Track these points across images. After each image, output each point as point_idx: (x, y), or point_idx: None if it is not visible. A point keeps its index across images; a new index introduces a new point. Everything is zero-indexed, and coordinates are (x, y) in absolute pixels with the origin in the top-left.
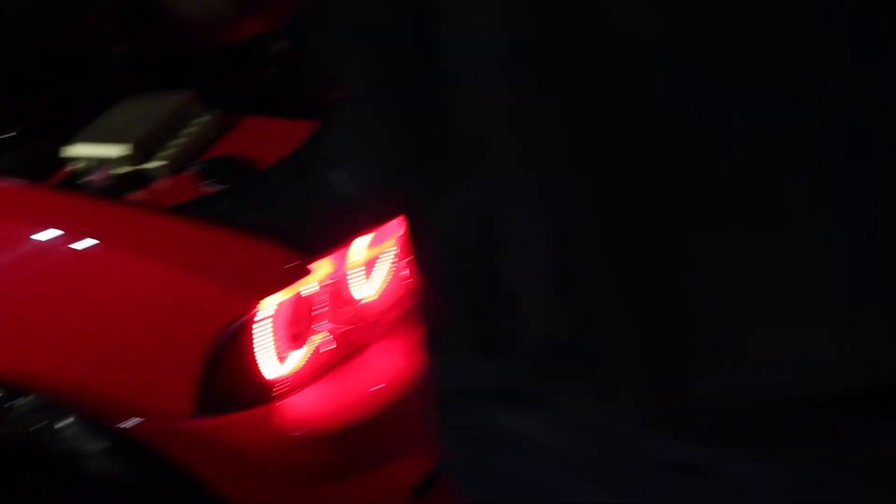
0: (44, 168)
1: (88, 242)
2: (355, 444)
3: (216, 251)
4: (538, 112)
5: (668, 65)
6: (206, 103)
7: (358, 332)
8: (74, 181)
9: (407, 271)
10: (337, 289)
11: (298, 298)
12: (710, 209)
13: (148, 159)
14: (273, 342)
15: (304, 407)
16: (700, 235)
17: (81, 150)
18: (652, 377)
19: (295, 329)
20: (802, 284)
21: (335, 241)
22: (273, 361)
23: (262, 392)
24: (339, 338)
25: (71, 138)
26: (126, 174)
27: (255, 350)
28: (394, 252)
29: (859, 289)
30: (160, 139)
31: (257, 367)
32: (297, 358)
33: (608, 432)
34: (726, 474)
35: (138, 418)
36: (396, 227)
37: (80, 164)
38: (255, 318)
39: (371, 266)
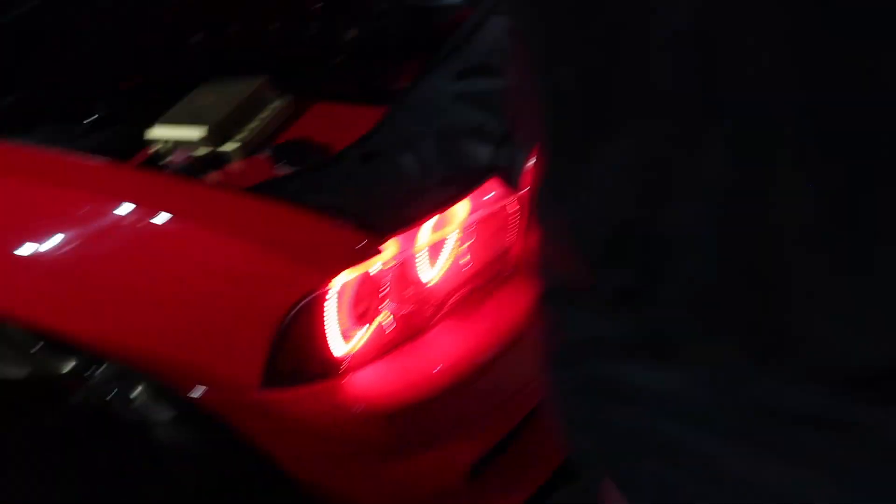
0: (128, 149)
1: (167, 218)
2: (414, 422)
3: (288, 230)
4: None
5: None
6: (279, 89)
7: (421, 313)
8: (156, 161)
9: (468, 256)
10: (403, 270)
11: (366, 278)
12: None
13: (224, 142)
14: (340, 319)
15: (367, 384)
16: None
17: (162, 133)
18: (801, 335)
19: (361, 307)
20: None
21: (403, 223)
22: (339, 338)
23: (327, 368)
24: (403, 318)
25: (152, 121)
26: (203, 156)
27: (323, 326)
28: (458, 236)
29: None
30: (236, 123)
31: (324, 343)
32: (362, 336)
33: (751, 387)
34: (869, 428)
35: (206, 388)
36: (462, 211)
37: (161, 146)
38: (325, 296)
39: (437, 249)
